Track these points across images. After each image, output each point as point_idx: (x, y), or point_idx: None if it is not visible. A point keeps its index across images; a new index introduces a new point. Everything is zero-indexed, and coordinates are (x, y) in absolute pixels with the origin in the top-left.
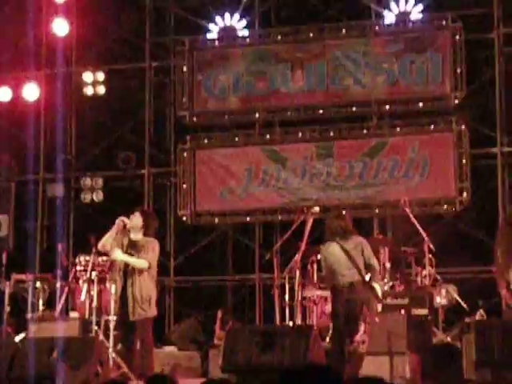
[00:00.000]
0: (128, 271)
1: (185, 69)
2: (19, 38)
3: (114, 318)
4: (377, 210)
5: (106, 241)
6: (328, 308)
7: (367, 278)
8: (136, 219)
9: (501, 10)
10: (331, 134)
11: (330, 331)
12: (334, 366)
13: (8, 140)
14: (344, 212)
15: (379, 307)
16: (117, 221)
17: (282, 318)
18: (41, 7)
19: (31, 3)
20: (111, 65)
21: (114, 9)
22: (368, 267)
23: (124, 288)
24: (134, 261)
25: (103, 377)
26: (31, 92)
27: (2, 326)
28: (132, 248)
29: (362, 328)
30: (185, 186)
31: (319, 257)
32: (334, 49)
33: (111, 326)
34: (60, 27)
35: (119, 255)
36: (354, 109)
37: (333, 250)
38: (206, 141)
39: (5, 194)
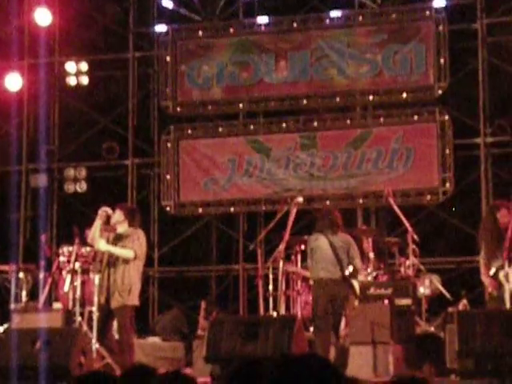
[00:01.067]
0: (112, 261)
1: (168, 59)
2: (1, 27)
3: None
4: (361, 201)
5: (95, 233)
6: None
7: (347, 273)
8: (116, 216)
9: (484, 1)
10: (315, 124)
11: (316, 322)
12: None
13: None
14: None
15: (356, 302)
16: (99, 211)
17: (266, 309)
18: None
19: None
20: (94, 55)
21: None
22: (351, 266)
23: (106, 278)
24: (118, 251)
25: (86, 367)
26: (14, 82)
27: None
28: (117, 239)
29: (343, 323)
30: (168, 176)
31: (303, 247)
32: (317, 39)
33: (95, 317)
34: (43, 17)
35: (103, 246)
36: (337, 99)
37: (321, 243)
38: (189, 131)
39: None
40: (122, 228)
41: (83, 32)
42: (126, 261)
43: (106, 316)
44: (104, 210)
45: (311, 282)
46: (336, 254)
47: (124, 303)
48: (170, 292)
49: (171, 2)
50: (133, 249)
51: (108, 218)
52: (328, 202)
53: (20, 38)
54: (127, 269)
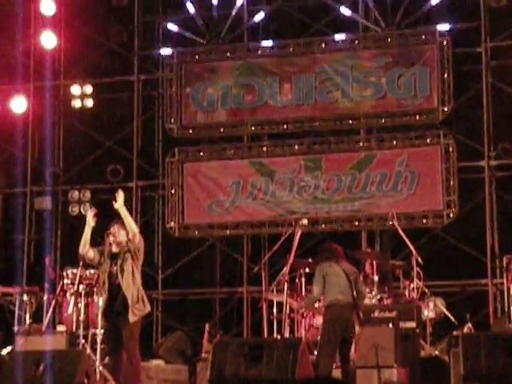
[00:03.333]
0: (116, 274)
1: (173, 82)
2: (7, 50)
3: (102, 331)
4: (365, 223)
5: (85, 242)
6: (316, 321)
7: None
8: (121, 235)
9: (488, 24)
10: (319, 147)
11: (324, 345)
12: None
13: None
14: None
15: (357, 328)
16: (87, 218)
17: (270, 331)
18: (29, 20)
19: (19, 16)
20: (99, 78)
21: (102, 22)
22: (358, 295)
23: (110, 301)
24: (130, 218)
25: None
26: (19, 105)
27: None
28: (114, 257)
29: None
30: (173, 198)
31: (308, 270)
32: (322, 62)
33: (98, 339)
34: (48, 40)
35: (119, 205)
36: (341, 122)
37: (336, 270)
38: (194, 154)
39: None
40: (120, 246)
41: (88, 55)
42: (130, 268)
43: (116, 336)
44: (93, 215)
45: (319, 306)
46: (349, 280)
47: (141, 315)
48: (174, 314)
49: (176, 26)
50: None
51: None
52: (332, 225)
53: (26, 61)
54: (132, 281)
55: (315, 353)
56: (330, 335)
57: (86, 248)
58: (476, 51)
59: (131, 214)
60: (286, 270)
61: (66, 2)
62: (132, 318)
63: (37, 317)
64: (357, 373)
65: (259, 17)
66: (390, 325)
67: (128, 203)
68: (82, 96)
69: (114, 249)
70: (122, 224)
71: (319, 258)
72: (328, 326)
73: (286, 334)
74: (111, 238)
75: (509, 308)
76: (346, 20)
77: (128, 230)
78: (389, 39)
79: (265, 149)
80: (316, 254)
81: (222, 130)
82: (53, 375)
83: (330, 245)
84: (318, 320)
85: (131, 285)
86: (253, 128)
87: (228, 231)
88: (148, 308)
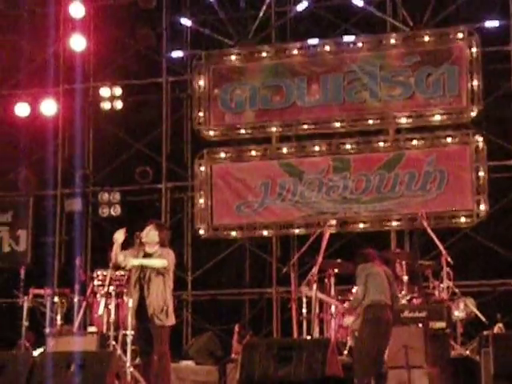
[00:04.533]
0: (144, 282)
1: (201, 83)
2: (37, 54)
3: (132, 332)
4: (394, 224)
5: (115, 255)
6: (345, 321)
7: None
8: (152, 235)
9: None
10: (347, 147)
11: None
12: None
13: (26, 155)
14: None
15: None
16: (115, 235)
17: (300, 332)
18: (58, 23)
19: (49, 20)
20: (128, 80)
21: (130, 24)
22: (394, 298)
23: (139, 301)
24: (151, 262)
25: None
26: (49, 107)
27: (21, 340)
28: (150, 255)
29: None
30: (202, 200)
31: (336, 270)
32: (350, 62)
33: (129, 340)
34: (77, 43)
35: (134, 261)
36: (370, 122)
37: (377, 270)
38: (222, 155)
39: (23, 209)
40: (153, 248)
41: (117, 57)
42: (159, 280)
43: (147, 338)
44: (120, 233)
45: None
46: (389, 282)
47: (163, 324)
48: (204, 316)
49: (203, 27)
50: (167, 260)
51: (141, 243)
52: (361, 225)
53: (56, 64)
54: (161, 289)
55: (344, 353)
56: (373, 335)
57: (117, 261)
58: (505, 50)
59: (160, 215)
60: (314, 270)
61: (95, 5)
62: (158, 322)
63: (68, 318)
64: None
65: (302, 6)
66: (420, 325)
67: (157, 204)
68: (112, 98)
69: (148, 249)
70: (155, 225)
71: (358, 259)
72: (370, 326)
73: (316, 335)
74: (143, 239)
75: None
76: (374, 19)
77: (159, 232)
78: (417, 38)
79: (293, 149)
80: (345, 255)
81: (250, 131)
82: (83, 376)
83: (365, 249)
84: (348, 320)
85: (158, 294)
86: (281, 129)
87: (257, 232)
88: (171, 321)
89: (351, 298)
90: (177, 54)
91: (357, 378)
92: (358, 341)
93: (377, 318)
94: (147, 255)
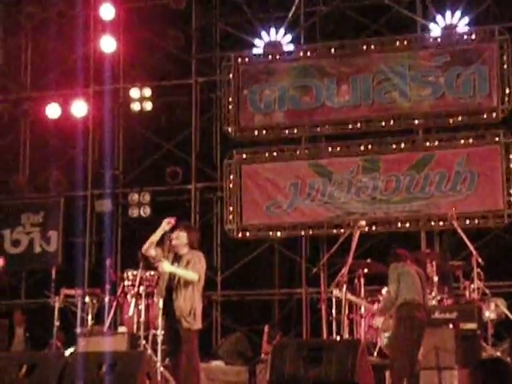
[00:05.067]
0: (173, 284)
1: (231, 84)
2: (67, 55)
3: (162, 332)
4: (424, 224)
5: (151, 243)
6: (374, 322)
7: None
8: (181, 237)
9: None
10: (377, 147)
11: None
12: None
13: (57, 156)
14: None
15: None
16: (164, 222)
17: (329, 332)
18: (88, 25)
19: (79, 21)
20: (158, 81)
21: (160, 25)
22: (425, 298)
23: (168, 302)
24: (183, 272)
25: None
26: (79, 108)
27: (52, 340)
28: (178, 262)
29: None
30: (231, 200)
31: (366, 271)
32: (379, 62)
33: (159, 340)
34: (107, 44)
35: (168, 267)
36: (399, 122)
37: (409, 270)
38: (252, 155)
39: (54, 210)
40: (183, 250)
41: (147, 58)
42: (186, 283)
43: (175, 338)
44: (167, 221)
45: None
46: (421, 281)
47: (190, 327)
48: (233, 316)
49: (233, 28)
50: (198, 272)
51: (170, 243)
52: (391, 226)
53: (86, 65)
54: (189, 292)
55: (375, 354)
56: (408, 333)
57: (148, 252)
58: None
59: (190, 216)
60: (344, 270)
61: (124, 7)
62: (186, 325)
63: (98, 318)
64: None
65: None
66: (451, 326)
67: (187, 205)
68: (141, 99)
69: (177, 250)
70: (184, 227)
71: (390, 259)
72: (404, 324)
73: (345, 335)
74: (174, 241)
75: None
76: (404, 19)
77: (188, 234)
78: (447, 38)
79: (322, 150)
80: (374, 256)
81: (279, 131)
82: (114, 376)
83: (397, 249)
84: (377, 321)
85: (186, 297)
86: (310, 129)
87: (286, 232)
88: (198, 325)
89: (382, 299)
90: (206, 55)
91: (393, 377)
92: (392, 340)
93: (411, 316)
94: (177, 257)
